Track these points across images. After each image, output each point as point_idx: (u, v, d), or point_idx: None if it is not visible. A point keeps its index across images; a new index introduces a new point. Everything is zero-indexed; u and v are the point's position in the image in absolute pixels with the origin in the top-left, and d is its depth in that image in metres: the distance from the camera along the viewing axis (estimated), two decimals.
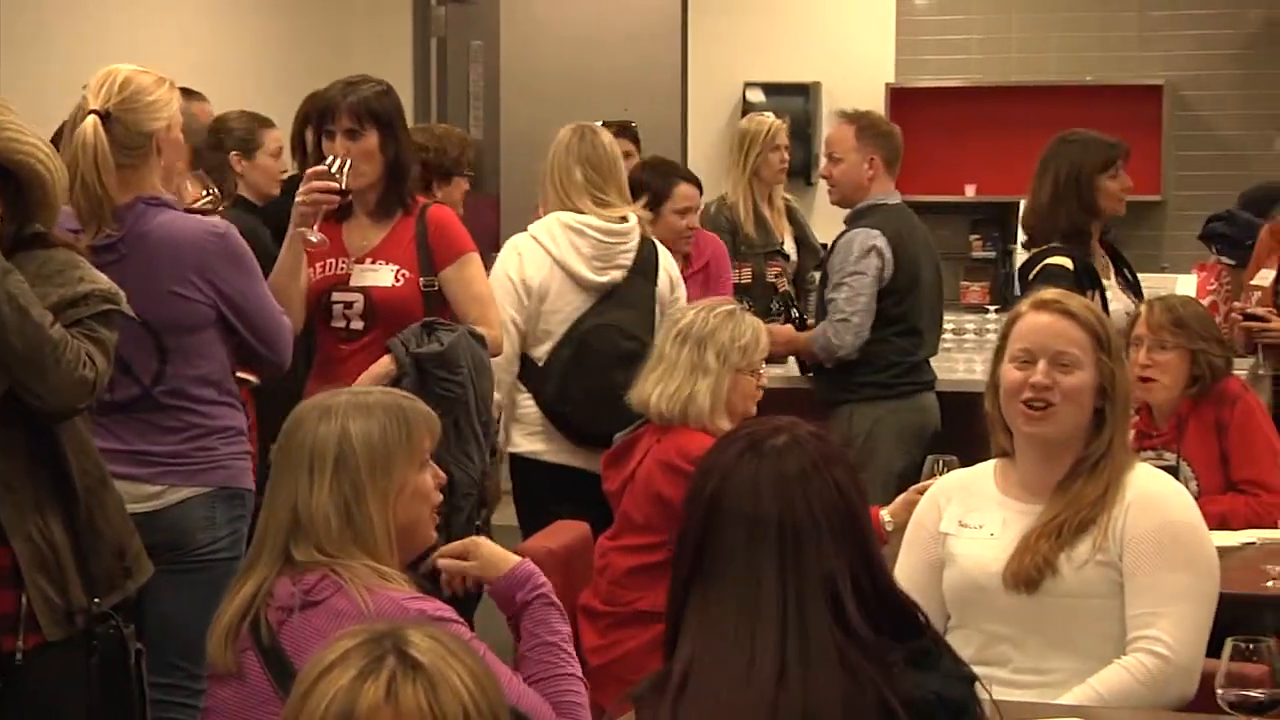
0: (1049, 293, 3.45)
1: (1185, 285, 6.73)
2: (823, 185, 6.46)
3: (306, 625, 2.73)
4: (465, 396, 4.46)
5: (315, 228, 4.45)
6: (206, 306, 4.05)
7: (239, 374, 4.31)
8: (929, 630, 2.30)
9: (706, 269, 6.10)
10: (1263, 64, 9.08)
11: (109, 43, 7.07)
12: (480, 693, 1.80)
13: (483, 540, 3.17)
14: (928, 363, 6.15)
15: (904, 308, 6.01)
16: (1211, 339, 4.75)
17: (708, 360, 4.47)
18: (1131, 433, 4.52)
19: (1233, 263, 6.46)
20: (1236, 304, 5.84)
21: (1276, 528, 4.45)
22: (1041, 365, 3.32)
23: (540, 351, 5.38)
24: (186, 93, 4.57)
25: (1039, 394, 3.32)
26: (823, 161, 6.45)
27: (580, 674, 3.04)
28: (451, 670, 1.79)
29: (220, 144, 5.77)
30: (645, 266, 5.45)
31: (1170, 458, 4.66)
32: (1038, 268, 5.42)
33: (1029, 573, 3.25)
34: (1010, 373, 3.36)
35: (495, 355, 4.75)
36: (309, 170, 4.57)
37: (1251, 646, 2.83)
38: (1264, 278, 5.77)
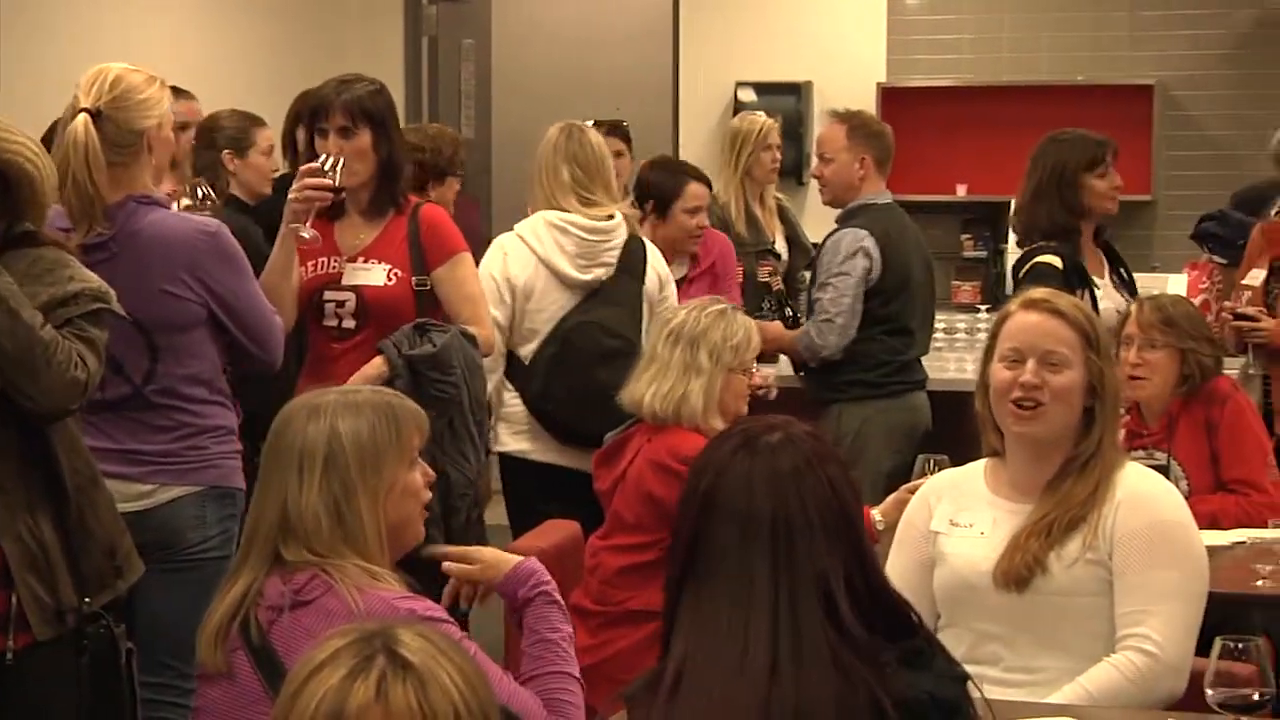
0: (1038, 292, 3.45)
1: (1176, 285, 6.73)
2: (814, 184, 6.47)
3: (297, 625, 2.72)
4: (459, 397, 4.47)
5: (308, 224, 4.46)
6: (197, 305, 4.05)
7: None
8: (922, 630, 2.30)
9: (713, 267, 6.08)
10: (1253, 64, 9.10)
11: (101, 42, 7.06)
12: (470, 692, 1.80)
13: (483, 548, 3.18)
14: (918, 362, 6.15)
15: (892, 307, 6.01)
16: (1201, 338, 4.75)
17: (700, 360, 4.47)
18: (1122, 432, 4.53)
19: (1225, 262, 6.46)
20: (1227, 303, 5.84)
21: (1266, 527, 4.45)
22: (1030, 365, 3.33)
23: (526, 350, 5.39)
24: (175, 91, 4.57)
25: (1028, 393, 3.32)
26: (814, 161, 6.46)
27: (577, 674, 3.04)
28: (441, 669, 1.80)
29: (212, 142, 5.76)
30: (632, 264, 5.45)
31: (1161, 457, 4.67)
32: (1027, 266, 5.45)
33: (1019, 571, 3.26)
34: (999, 372, 3.37)
35: (487, 355, 4.76)
36: (302, 168, 4.57)
37: (1240, 646, 2.84)
38: (1255, 277, 5.78)
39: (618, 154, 6.98)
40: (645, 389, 4.50)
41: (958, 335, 7.39)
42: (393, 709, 1.76)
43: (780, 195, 7.31)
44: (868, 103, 8.75)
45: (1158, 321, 4.73)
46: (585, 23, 11.04)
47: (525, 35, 10.98)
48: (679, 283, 5.95)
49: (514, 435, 5.41)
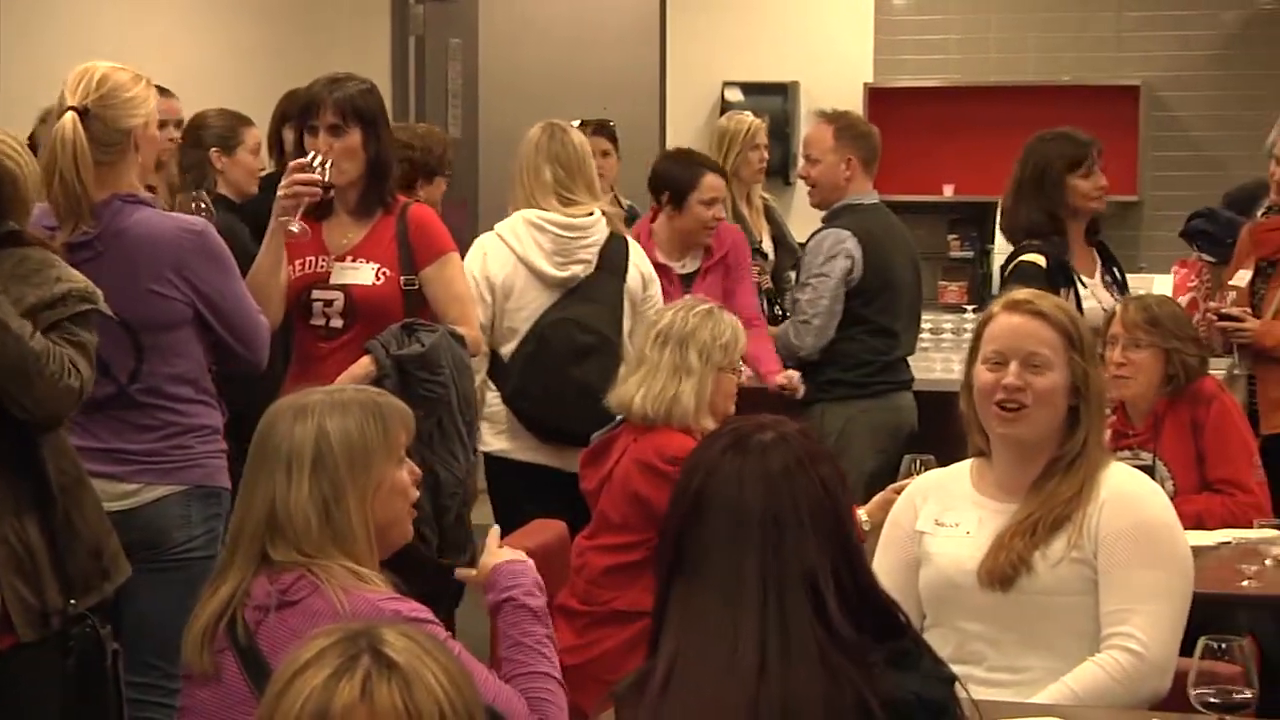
0: (1021, 293, 3.46)
1: (1162, 285, 6.74)
2: (801, 185, 6.47)
3: (283, 625, 2.72)
4: (447, 397, 4.47)
5: (296, 219, 4.45)
6: (183, 304, 4.05)
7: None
8: (910, 631, 2.30)
9: (726, 259, 6.03)
10: (1239, 65, 9.11)
11: (89, 41, 7.04)
12: (455, 691, 1.80)
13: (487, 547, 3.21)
14: (904, 362, 6.16)
15: (874, 308, 6.02)
16: (1186, 338, 4.76)
17: (690, 360, 4.48)
18: (1108, 432, 4.54)
19: (1214, 260, 6.47)
20: (1211, 304, 5.85)
21: (1251, 527, 4.46)
22: (1013, 367, 3.33)
23: (507, 349, 5.41)
24: (157, 90, 4.56)
25: (1011, 395, 3.33)
26: (801, 161, 6.46)
27: (557, 675, 3.04)
28: (426, 669, 1.79)
29: (199, 141, 5.75)
30: (612, 262, 5.46)
31: (1146, 457, 4.68)
32: (1011, 265, 5.49)
33: (1004, 570, 3.26)
34: (983, 374, 3.37)
35: (475, 355, 4.76)
36: (291, 163, 4.57)
37: (1223, 646, 2.85)
38: (1241, 278, 5.79)
39: (604, 153, 7.00)
40: (634, 391, 4.49)
41: (944, 335, 7.40)
42: (378, 709, 1.76)
43: (767, 195, 7.32)
44: (855, 103, 8.75)
45: (1142, 321, 4.74)
46: (572, 22, 11.04)
47: (512, 35, 10.98)
48: (692, 275, 5.94)
49: (496, 435, 5.42)
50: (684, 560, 2.26)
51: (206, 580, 2.89)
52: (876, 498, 4.09)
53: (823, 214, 6.21)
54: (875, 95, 9.34)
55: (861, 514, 4.05)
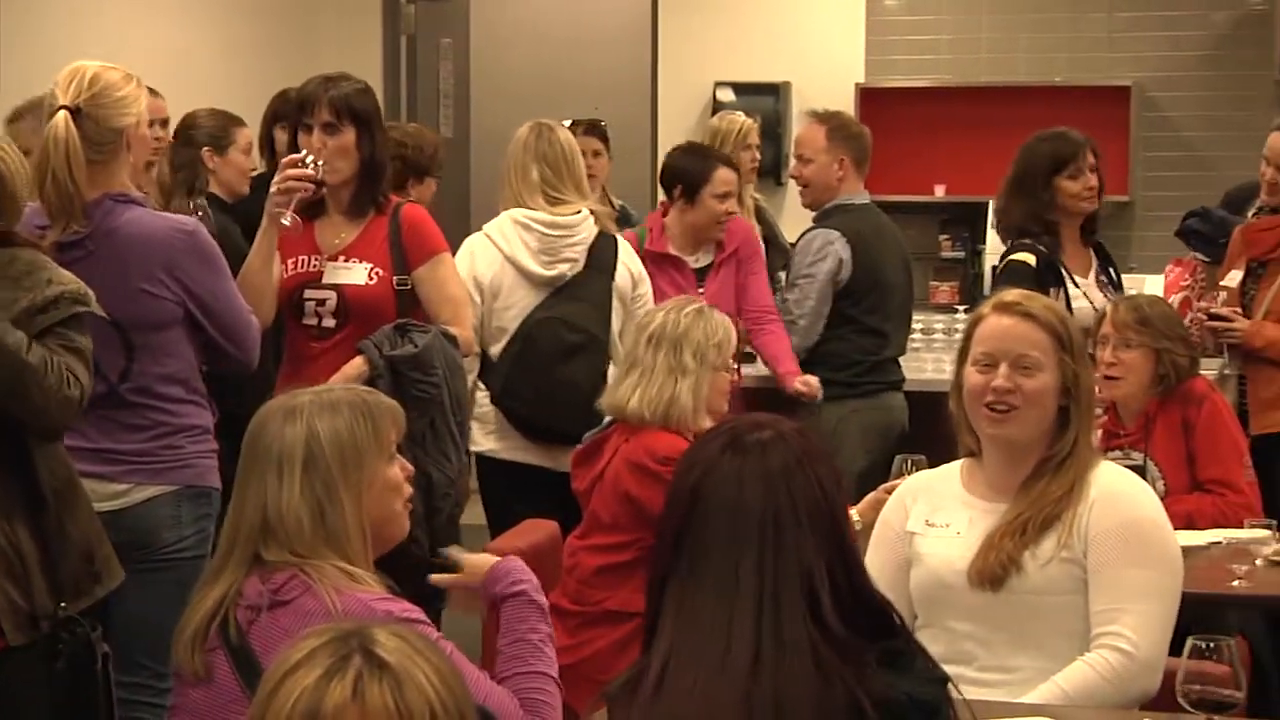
0: (1010, 294, 3.46)
1: (1153, 285, 6.74)
2: (793, 185, 6.47)
3: (274, 625, 2.72)
4: (440, 397, 4.47)
5: (289, 211, 4.45)
6: (174, 304, 4.04)
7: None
8: (903, 631, 2.30)
9: (738, 253, 6.00)
10: (1231, 65, 9.12)
11: (78, 40, 7.04)
12: (447, 691, 1.80)
13: (469, 555, 3.19)
14: (894, 362, 6.17)
15: (863, 308, 6.03)
16: (1177, 338, 4.77)
17: (685, 361, 4.48)
18: (1099, 432, 4.55)
19: (1208, 260, 6.48)
20: (1201, 304, 5.86)
21: (1242, 527, 4.47)
22: (1003, 369, 3.34)
23: (496, 348, 5.40)
24: None
25: (1001, 398, 3.33)
26: (792, 162, 6.47)
27: (555, 674, 3.03)
28: (418, 669, 1.79)
29: (191, 140, 5.75)
30: (601, 260, 5.45)
31: (1137, 457, 4.68)
32: (1002, 264, 5.50)
33: (994, 570, 3.27)
34: (972, 376, 3.38)
35: (468, 355, 4.77)
36: (284, 159, 4.58)
37: (1211, 645, 2.85)
38: (1232, 278, 5.80)
39: (595, 153, 7.00)
40: (630, 394, 4.49)
41: (935, 335, 7.40)
42: (369, 708, 1.76)
43: (758, 195, 7.31)
44: (846, 103, 8.75)
45: (1133, 321, 4.75)
46: (564, 22, 11.03)
47: (504, 35, 10.97)
48: (706, 269, 5.91)
49: (485, 434, 5.42)
50: (681, 559, 2.26)
51: (197, 580, 2.89)
52: (868, 497, 4.09)
53: (813, 214, 6.21)
54: (867, 95, 9.34)
55: (853, 514, 4.05)
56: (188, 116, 5.88)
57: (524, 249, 5.39)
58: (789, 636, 2.18)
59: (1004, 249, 5.62)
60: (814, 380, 5.87)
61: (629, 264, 5.55)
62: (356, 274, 4.60)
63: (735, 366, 4.77)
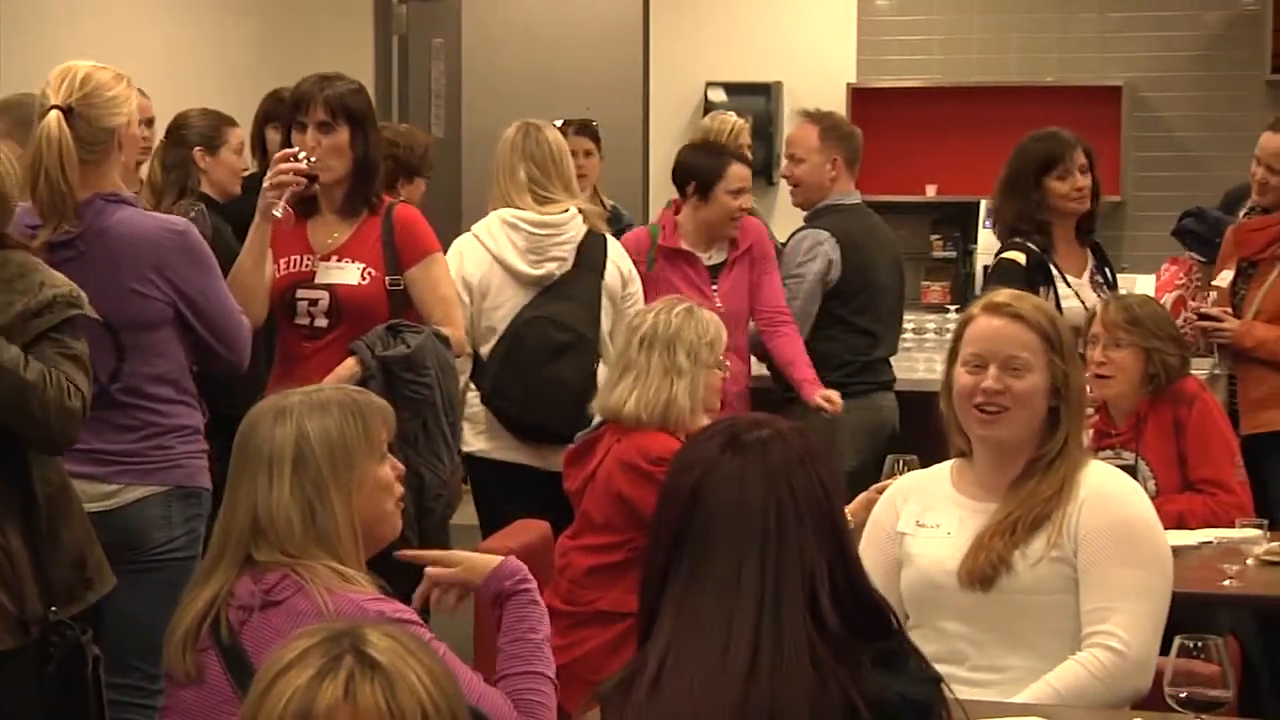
0: (1001, 295, 3.46)
1: (1145, 285, 6.75)
2: (783, 184, 6.47)
3: (266, 625, 2.72)
4: (433, 398, 4.47)
5: (282, 203, 4.45)
6: (165, 304, 4.04)
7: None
8: (898, 631, 2.30)
9: (751, 251, 5.97)
10: (1222, 65, 9.13)
11: (66, 40, 7.04)
12: (439, 692, 1.80)
13: (460, 551, 3.17)
14: (885, 362, 6.17)
15: (852, 308, 6.03)
16: (1167, 338, 4.77)
17: (680, 361, 4.48)
18: (1090, 432, 4.55)
19: (1204, 259, 6.49)
20: (1193, 304, 5.87)
21: (1233, 527, 4.47)
22: (992, 370, 3.34)
23: (486, 348, 5.41)
24: None
25: (990, 398, 3.34)
26: (784, 162, 6.47)
27: (552, 675, 3.03)
28: (410, 669, 1.79)
29: (183, 140, 5.74)
30: (589, 259, 5.45)
31: (1128, 457, 4.69)
32: (994, 262, 5.53)
33: (984, 570, 3.27)
34: (962, 377, 3.38)
35: (460, 356, 4.77)
36: (277, 154, 4.58)
37: (1199, 645, 2.86)
38: (1223, 278, 5.81)
39: (586, 153, 7.00)
40: (626, 396, 4.48)
41: (927, 335, 7.41)
42: (361, 709, 1.76)
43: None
44: (837, 103, 8.76)
45: (1122, 321, 4.76)
46: (555, 22, 11.03)
47: (495, 35, 10.97)
48: (719, 267, 5.88)
49: (476, 435, 5.42)
50: (680, 559, 2.25)
51: (188, 581, 2.89)
52: (860, 497, 4.09)
53: (805, 214, 6.21)
54: (858, 95, 9.35)
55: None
56: (179, 116, 5.87)
57: (511, 248, 5.39)
58: (788, 637, 2.18)
59: (998, 247, 5.65)
60: (836, 396, 5.79)
61: (618, 263, 5.54)
62: (349, 274, 4.59)
63: (728, 365, 4.76)
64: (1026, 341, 3.34)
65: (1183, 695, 2.87)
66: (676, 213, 5.95)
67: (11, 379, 3.26)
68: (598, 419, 4.66)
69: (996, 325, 3.37)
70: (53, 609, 3.37)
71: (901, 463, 4.00)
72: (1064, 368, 3.35)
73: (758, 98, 9.43)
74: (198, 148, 5.74)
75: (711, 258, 5.85)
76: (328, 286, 4.59)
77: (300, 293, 4.60)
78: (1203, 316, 5.68)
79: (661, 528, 2.29)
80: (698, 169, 5.87)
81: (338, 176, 4.60)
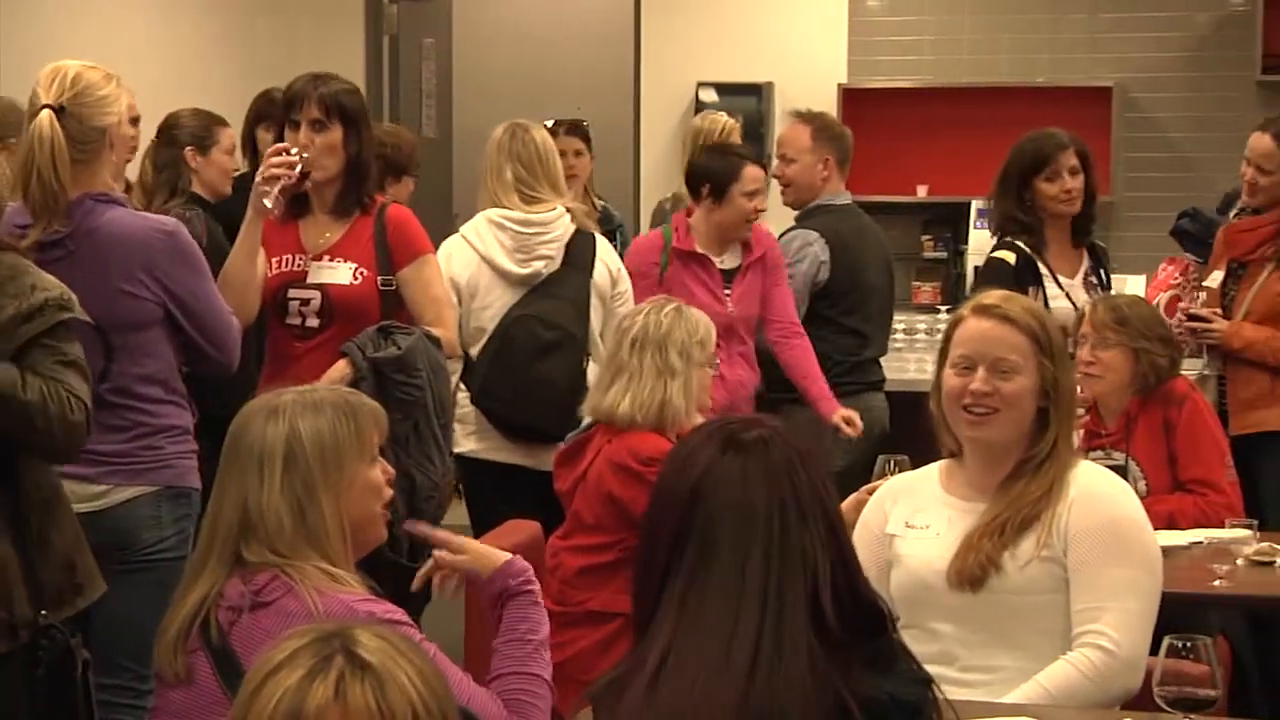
0: (990, 297, 3.46)
1: (1135, 285, 6.76)
2: (774, 184, 6.47)
3: (256, 626, 2.72)
4: (424, 399, 4.46)
5: (275, 192, 4.44)
6: (154, 304, 4.03)
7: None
8: (891, 631, 2.30)
9: (764, 260, 5.88)
10: (1212, 66, 9.14)
11: (54, 40, 7.03)
12: (429, 692, 1.80)
13: (470, 539, 3.17)
14: (876, 362, 6.17)
15: (841, 308, 6.03)
16: (1155, 339, 4.77)
17: (672, 362, 4.48)
18: (1081, 432, 4.56)
19: (1200, 260, 6.50)
20: (1183, 304, 5.87)
21: (1223, 527, 4.48)
22: (981, 372, 3.34)
23: (475, 349, 5.40)
24: None
25: (978, 400, 3.34)
26: (775, 162, 6.46)
27: (548, 678, 3.03)
28: (400, 670, 1.79)
29: (174, 140, 5.75)
30: (578, 257, 5.45)
31: (1119, 457, 4.70)
32: (985, 260, 5.56)
33: (972, 571, 3.27)
34: (951, 378, 3.39)
35: (451, 357, 4.76)
36: (270, 148, 4.58)
37: (1188, 645, 2.86)
38: (1214, 279, 5.82)
39: (577, 153, 7.00)
40: (619, 399, 4.48)
41: (918, 336, 7.42)
42: (351, 709, 1.76)
43: None
44: (829, 104, 8.76)
45: (1110, 321, 4.77)
46: (546, 22, 11.04)
47: (486, 35, 10.98)
48: (734, 272, 5.83)
49: (466, 435, 5.42)
50: (682, 558, 2.24)
51: (177, 581, 2.89)
52: (850, 498, 4.08)
53: (795, 214, 6.21)
54: (849, 96, 9.36)
55: None
56: (170, 116, 5.87)
57: (499, 248, 5.39)
58: (788, 638, 2.18)
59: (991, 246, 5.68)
60: (856, 418, 5.73)
61: (607, 261, 5.54)
62: (341, 274, 4.59)
63: (718, 362, 4.76)
64: (1015, 344, 3.34)
65: (1172, 695, 2.87)
66: (688, 215, 5.90)
67: (12, 404, 3.26)
68: (587, 420, 4.65)
69: (985, 327, 3.38)
70: (43, 613, 3.35)
71: (893, 463, 4.00)
72: (1053, 370, 3.35)
73: (749, 98, 9.43)
74: (189, 148, 5.74)
75: (724, 261, 5.79)
76: (319, 286, 4.59)
77: (292, 292, 4.60)
78: (1191, 317, 5.69)
79: (659, 527, 2.28)
80: (712, 171, 5.79)
81: (330, 175, 4.59)
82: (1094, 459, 4.17)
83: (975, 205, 8.58)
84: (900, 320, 7.22)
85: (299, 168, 4.48)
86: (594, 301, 5.46)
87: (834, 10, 9.51)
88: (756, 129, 9.18)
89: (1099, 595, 3.23)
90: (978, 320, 3.39)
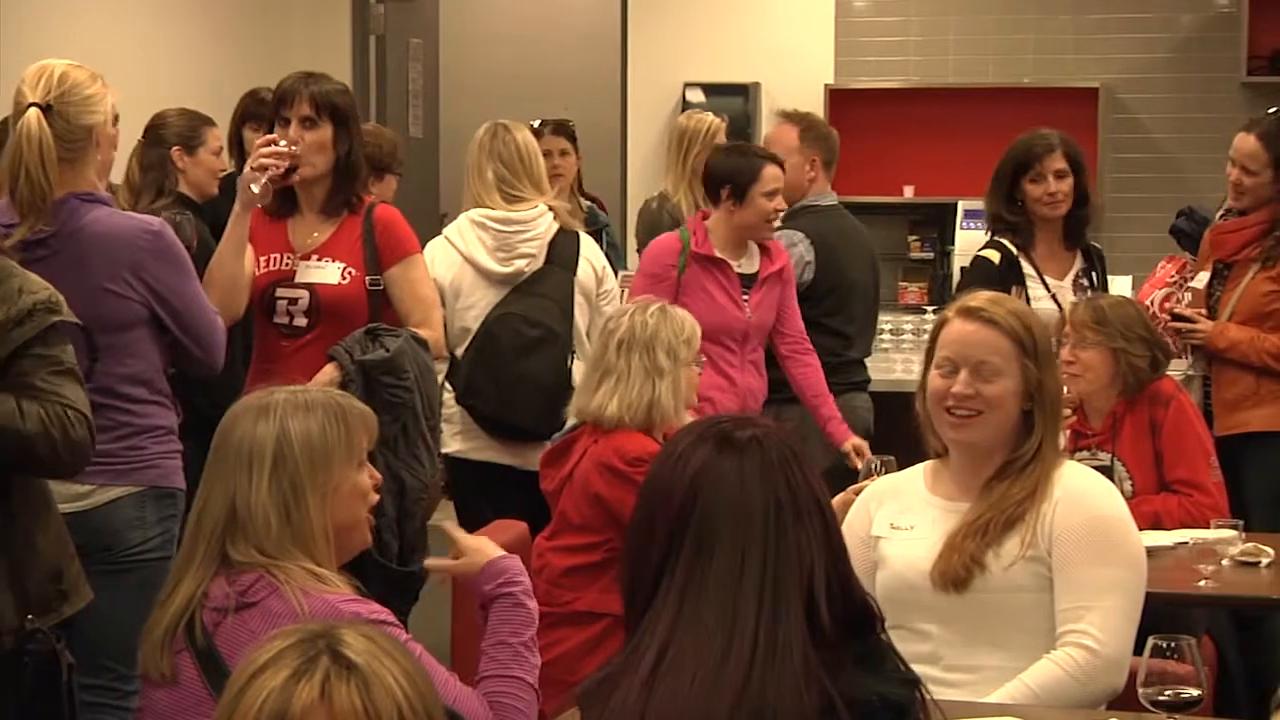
0: (976, 299, 3.46)
1: (1121, 286, 6.77)
2: None
3: (241, 627, 2.71)
4: (412, 401, 4.46)
5: (264, 179, 4.43)
6: (139, 304, 4.02)
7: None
8: (880, 632, 2.31)
9: (783, 273, 5.79)
10: (1198, 67, 9.16)
11: (41, 39, 7.01)
12: (415, 692, 1.80)
13: (473, 536, 3.18)
14: (860, 363, 6.17)
15: (825, 309, 6.02)
16: (1136, 339, 4.77)
17: (660, 362, 4.48)
18: (1067, 432, 4.56)
19: (1195, 259, 6.51)
20: (1167, 304, 5.88)
21: (1209, 528, 4.48)
22: (963, 375, 3.35)
23: (460, 349, 5.40)
24: None
25: (960, 402, 3.34)
26: None
27: (533, 680, 3.03)
28: (386, 670, 1.79)
29: (160, 139, 5.73)
30: (561, 256, 5.45)
31: (1105, 457, 4.70)
32: (972, 259, 5.62)
33: (956, 572, 3.28)
34: (935, 380, 3.39)
35: (438, 358, 4.76)
36: (259, 140, 4.58)
37: (1172, 645, 2.87)
38: (1200, 280, 5.82)
39: (563, 153, 7.00)
40: (607, 400, 4.48)
41: (904, 336, 7.42)
42: (337, 709, 1.76)
43: None
44: (815, 104, 8.77)
45: (1089, 320, 4.78)
46: (533, 23, 11.04)
47: (473, 35, 10.98)
48: (752, 278, 5.77)
49: (452, 435, 5.42)
50: (678, 557, 2.25)
51: (161, 582, 2.88)
52: (836, 499, 4.08)
53: (781, 214, 6.20)
54: (836, 96, 9.36)
55: None
56: (157, 116, 5.86)
57: (481, 247, 5.39)
58: (783, 638, 2.18)
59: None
60: (866, 449, 5.56)
61: (592, 259, 5.54)
62: (329, 273, 4.59)
63: (704, 360, 4.76)
64: (998, 346, 3.35)
65: (1156, 696, 2.88)
66: (704, 219, 5.83)
67: (12, 440, 3.24)
68: (572, 421, 4.65)
69: (969, 329, 3.38)
70: (29, 618, 3.34)
71: (880, 463, 4.00)
72: (1037, 372, 3.35)
73: (735, 98, 9.43)
74: (176, 148, 5.73)
75: (741, 266, 5.72)
76: (307, 285, 4.58)
77: (280, 291, 4.59)
78: (1176, 317, 5.69)
79: (654, 526, 2.28)
80: (732, 172, 5.68)
81: (318, 173, 4.59)
82: (1080, 459, 4.18)
83: (961, 206, 8.60)
84: (886, 321, 7.22)
85: (288, 161, 4.48)
86: (579, 300, 5.47)
87: (820, 11, 9.52)
88: (743, 130, 9.18)
89: (1083, 594, 3.24)
90: (962, 322, 3.40)
